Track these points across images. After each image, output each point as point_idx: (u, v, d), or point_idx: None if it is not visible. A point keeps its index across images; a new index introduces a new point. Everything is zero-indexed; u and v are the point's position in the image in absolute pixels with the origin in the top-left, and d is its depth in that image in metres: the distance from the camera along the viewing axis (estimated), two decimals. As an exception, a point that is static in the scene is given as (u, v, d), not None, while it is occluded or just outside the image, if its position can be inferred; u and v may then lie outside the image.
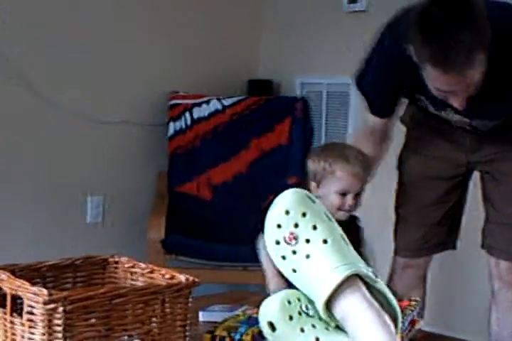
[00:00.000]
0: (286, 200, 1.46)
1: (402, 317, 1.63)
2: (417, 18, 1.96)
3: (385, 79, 2.29)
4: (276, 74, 4.26)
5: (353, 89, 3.86)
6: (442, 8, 1.93)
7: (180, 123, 3.96)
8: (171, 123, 3.95)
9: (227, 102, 4.04)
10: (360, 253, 1.50)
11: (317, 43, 4.05)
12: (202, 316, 1.85)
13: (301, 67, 4.16)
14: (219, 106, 4.03)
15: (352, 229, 2.19)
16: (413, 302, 1.73)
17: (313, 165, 2.24)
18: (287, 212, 1.45)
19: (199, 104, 4.01)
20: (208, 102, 4.03)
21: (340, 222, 1.49)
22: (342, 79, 3.90)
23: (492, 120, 2.33)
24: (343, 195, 2.17)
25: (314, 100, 4.10)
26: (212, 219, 3.80)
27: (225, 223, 3.71)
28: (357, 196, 2.20)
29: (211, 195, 3.90)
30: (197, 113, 4.00)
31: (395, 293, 1.49)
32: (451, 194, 2.57)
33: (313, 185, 2.23)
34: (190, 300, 1.50)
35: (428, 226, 2.57)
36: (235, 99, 4.06)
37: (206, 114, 4.01)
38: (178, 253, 3.46)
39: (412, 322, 1.69)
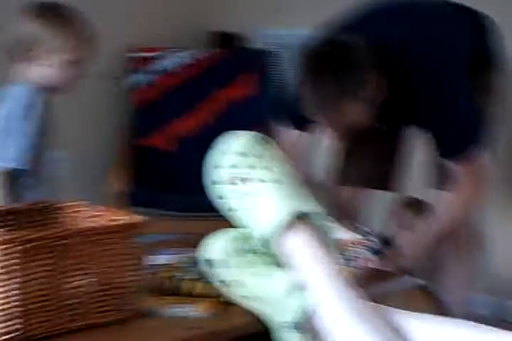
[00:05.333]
0: (241, 141, 1.48)
1: (350, 255, 1.69)
2: (306, 52, 2.17)
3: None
4: (239, 25, 4.24)
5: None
6: (332, 50, 2.10)
7: (144, 76, 3.96)
8: (134, 76, 3.95)
9: (190, 54, 4.04)
10: None
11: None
12: (152, 259, 1.88)
13: (265, 18, 4.15)
14: (182, 59, 4.02)
15: None
16: (362, 241, 1.78)
17: None
18: (242, 154, 1.46)
19: (162, 56, 4.01)
20: (171, 54, 4.02)
21: None
22: (306, 31, 3.90)
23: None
24: None
25: (280, 52, 4.09)
26: (176, 171, 3.83)
27: (190, 174, 3.72)
28: None
29: (175, 147, 3.92)
30: (160, 65, 3.99)
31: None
32: (388, 139, 2.63)
33: None
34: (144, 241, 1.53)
35: (367, 161, 2.63)
36: (198, 52, 4.05)
37: (170, 67, 4.01)
38: (140, 204, 3.48)
39: (359, 260, 1.74)
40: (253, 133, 1.49)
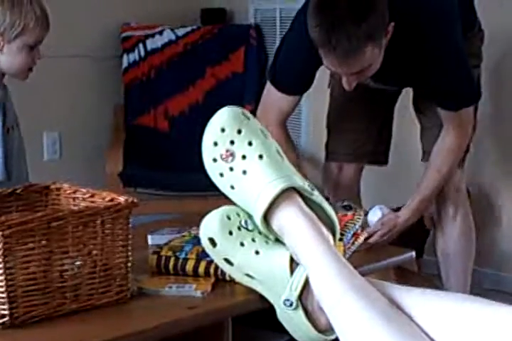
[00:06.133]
0: (222, 118, 1.47)
1: (345, 231, 1.67)
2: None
3: (300, 56, 2.31)
4: (230, 1, 4.21)
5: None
6: None
7: (134, 55, 3.93)
8: (125, 56, 3.92)
9: (180, 32, 4.00)
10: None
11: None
12: (151, 239, 1.87)
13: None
14: (172, 37, 3.99)
15: None
16: (356, 216, 1.75)
17: None
18: (223, 130, 1.46)
19: (152, 35, 3.97)
20: (161, 33, 3.99)
21: None
22: (295, 4, 3.86)
23: (404, 86, 2.55)
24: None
25: (268, 27, 4.06)
26: (170, 150, 3.81)
27: (183, 153, 3.71)
28: None
29: (168, 126, 3.90)
30: (150, 44, 3.96)
31: (333, 206, 1.51)
32: (380, 105, 2.65)
33: None
34: (131, 220, 1.50)
35: (358, 131, 2.64)
36: (188, 29, 4.02)
37: (160, 45, 3.97)
38: (136, 185, 3.46)
39: (355, 236, 1.71)
40: (233, 108, 1.47)
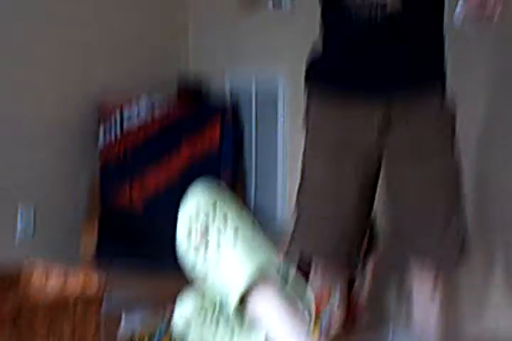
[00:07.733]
0: (192, 205, 1.47)
1: (320, 317, 1.65)
2: None
3: None
4: (205, 70, 4.24)
5: (281, 87, 3.86)
6: None
7: (110, 131, 3.91)
8: (101, 129, 3.90)
9: (156, 106, 4.00)
10: None
11: (245, 40, 4.06)
12: (124, 322, 1.85)
13: (231, 63, 4.16)
14: (148, 116, 3.99)
15: None
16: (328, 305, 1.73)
17: None
18: (197, 215, 1.45)
19: (129, 106, 3.96)
20: (136, 106, 3.97)
21: None
22: (271, 85, 3.91)
23: None
24: None
25: (243, 99, 4.08)
26: (144, 232, 3.77)
27: (156, 235, 3.66)
28: None
29: (142, 207, 3.86)
30: (127, 119, 3.95)
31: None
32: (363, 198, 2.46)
33: None
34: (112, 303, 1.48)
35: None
36: (164, 107, 4.03)
37: (135, 123, 3.97)
38: (110, 266, 3.43)
39: (328, 326, 1.69)
40: (203, 187, 1.47)
